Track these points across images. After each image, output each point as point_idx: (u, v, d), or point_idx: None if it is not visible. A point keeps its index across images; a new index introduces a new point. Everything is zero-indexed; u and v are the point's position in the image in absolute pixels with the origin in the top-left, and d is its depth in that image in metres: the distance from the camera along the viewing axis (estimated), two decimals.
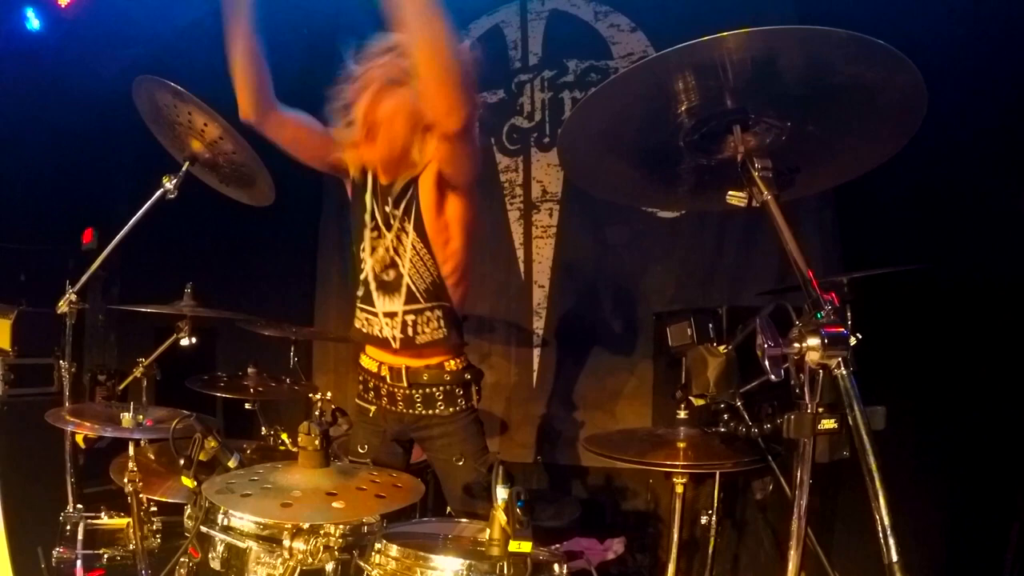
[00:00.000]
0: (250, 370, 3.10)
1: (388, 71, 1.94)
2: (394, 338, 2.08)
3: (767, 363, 1.17)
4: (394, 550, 1.54)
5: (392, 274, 2.06)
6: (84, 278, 2.54)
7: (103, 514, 2.38)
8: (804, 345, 1.12)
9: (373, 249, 2.09)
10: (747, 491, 2.71)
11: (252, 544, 1.58)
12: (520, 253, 3.87)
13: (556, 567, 1.59)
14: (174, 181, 2.40)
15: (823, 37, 1.19)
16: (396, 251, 2.05)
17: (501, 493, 1.42)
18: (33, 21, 4.01)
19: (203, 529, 1.64)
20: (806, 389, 1.17)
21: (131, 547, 2.23)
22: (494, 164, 3.89)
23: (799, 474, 1.20)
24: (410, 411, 2.12)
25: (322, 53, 4.00)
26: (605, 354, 3.64)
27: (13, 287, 3.85)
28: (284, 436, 2.85)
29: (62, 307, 2.51)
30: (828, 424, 1.16)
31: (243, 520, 1.61)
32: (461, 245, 2.08)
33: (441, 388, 2.11)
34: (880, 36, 1.16)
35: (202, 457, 1.71)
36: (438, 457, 2.18)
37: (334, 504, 1.49)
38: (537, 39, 3.88)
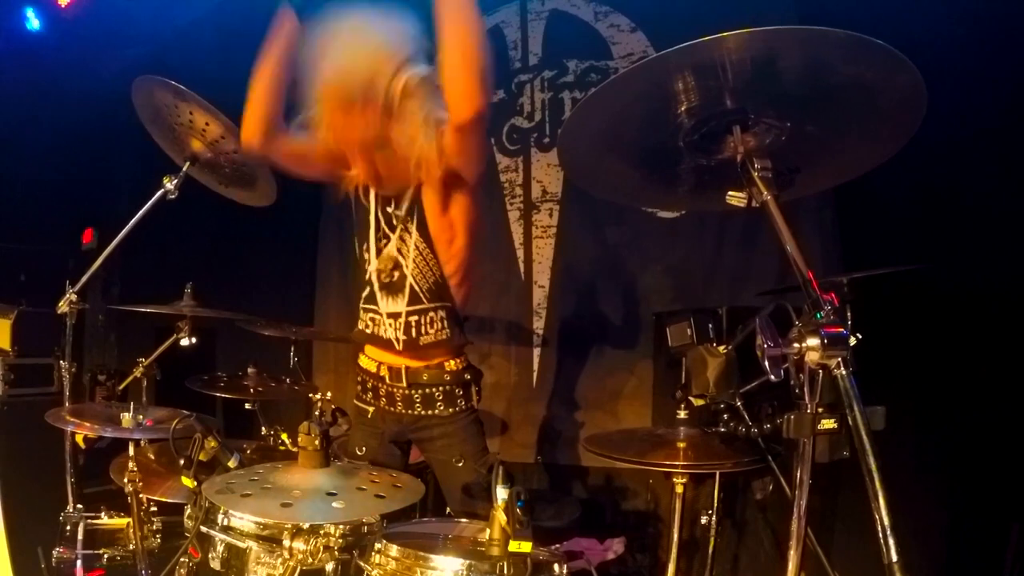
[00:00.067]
0: (250, 370, 3.10)
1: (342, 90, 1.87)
2: (397, 339, 2.07)
3: (767, 363, 1.17)
4: (394, 550, 1.53)
5: (396, 275, 2.06)
6: (84, 278, 2.54)
7: (103, 514, 2.38)
8: (804, 345, 1.12)
9: (378, 251, 2.08)
10: (747, 491, 2.71)
11: (252, 544, 1.58)
12: (520, 253, 3.87)
13: (556, 567, 1.59)
14: (175, 181, 2.40)
15: (823, 37, 1.19)
16: (400, 251, 2.05)
17: (501, 493, 1.42)
18: (33, 21, 4.01)
19: (203, 529, 1.64)
20: (806, 389, 1.17)
21: (131, 547, 2.24)
22: (494, 164, 3.89)
23: (799, 474, 1.20)
24: (409, 412, 2.12)
25: None
26: (605, 354, 3.64)
27: (13, 287, 3.85)
28: (284, 436, 2.85)
29: (62, 307, 2.51)
30: (828, 424, 1.16)
31: (243, 520, 1.61)
32: (465, 244, 2.08)
33: (441, 388, 2.10)
34: (880, 36, 1.16)
35: (202, 457, 1.72)
36: (438, 458, 2.17)
37: (334, 504, 1.49)
38: (537, 39, 3.88)
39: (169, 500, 2.30)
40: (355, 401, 2.25)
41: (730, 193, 1.38)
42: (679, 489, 2.14)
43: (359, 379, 2.22)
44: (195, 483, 1.68)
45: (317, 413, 2.08)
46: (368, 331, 2.13)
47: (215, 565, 1.64)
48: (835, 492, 2.63)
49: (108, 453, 2.59)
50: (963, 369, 2.58)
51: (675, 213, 3.47)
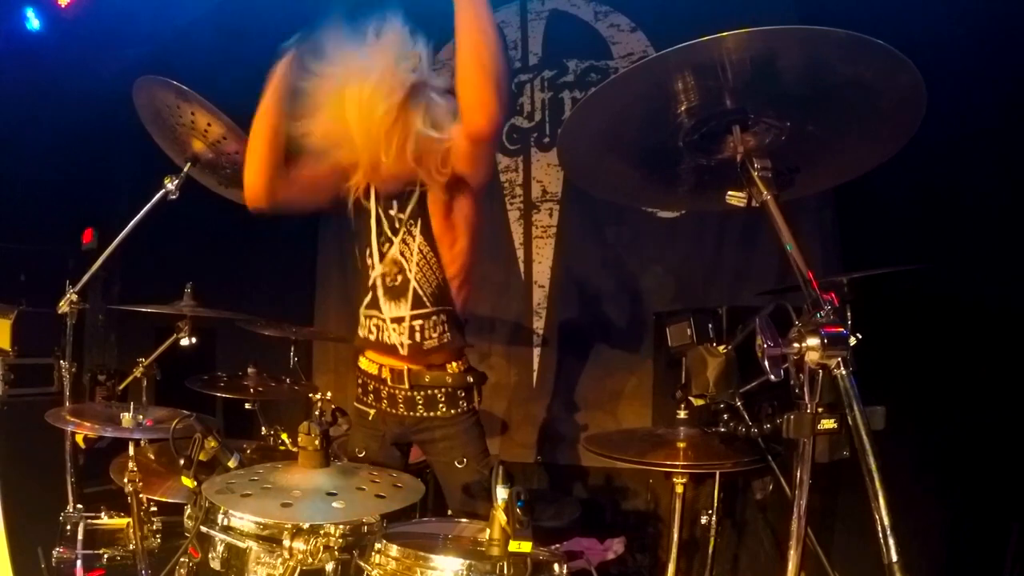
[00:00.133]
0: (250, 370, 3.10)
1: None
2: (402, 344, 2.06)
3: (767, 363, 1.17)
4: (394, 550, 1.53)
5: (399, 279, 2.06)
6: (84, 278, 2.55)
7: (103, 514, 2.38)
8: (804, 345, 1.12)
9: (381, 255, 2.08)
10: (747, 491, 2.71)
11: (252, 544, 1.58)
12: (520, 253, 3.87)
13: (556, 567, 1.59)
14: (175, 182, 2.40)
15: (823, 37, 1.19)
16: (403, 255, 2.05)
17: (501, 493, 1.42)
18: (33, 21, 4.01)
19: (203, 529, 1.64)
20: (806, 389, 1.17)
21: (131, 547, 2.24)
22: (494, 164, 3.89)
23: (799, 474, 1.20)
24: (411, 413, 2.11)
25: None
26: (605, 354, 3.64)
27: (13, 287, 3.85)
28: (284, 436, 2.85)
29: (62, 307, 2.51)
30: (828, 424, 1.16)
31: (243, 520, 1.61)
32: (467, 245, 2.08)
33: (443, 390, 2.10)
34: (880, 36, 1.16)
35: (202, 457, 1.71)
36: (439, 460, 2.17)
37: (334, 504, 1.49)
38: (537, 39, 3.88)
39: (169, 500, 2.30)
40: (355, 403, 2.24)
41: (730, 193, 1.38)
42: (679, 489, 2.14)
43: (360, 381, 2.22)
44: (195, 483, 1.68)
45: (317, 413, 2.08)
46: (372, 337, 2.12)
47: (215, 565, 1.64)
48: (835, 492, 2.63)
49: (108, 453, 2.59)
50: (963, 369, 2.58)
51: (675, 213, 3.47)
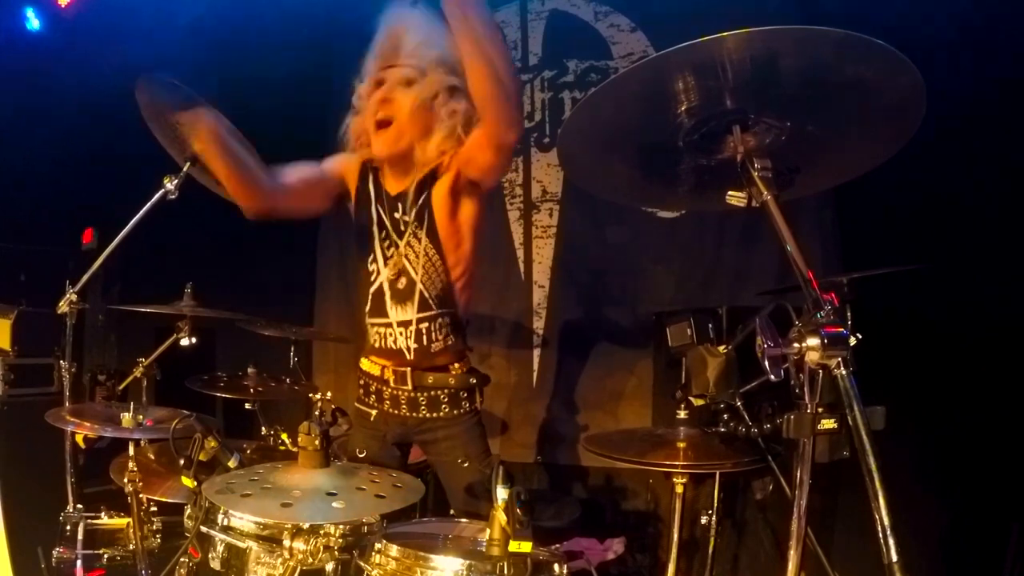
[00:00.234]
0: (250, 370, 3.10)
1: (403, 72, 2.02)
2: (408, 348, 2.06)
3: (767, 363, 1.17)
4: (394, 550, 1.53)
5: (404, 282, 2.06)
6: (84, 278, 2.54)
7: (103, 514, 2.38)
8: (804, 345, 1.12)
9: (386, 258, 2.08)
10: (747, 491, 2.71)
11: (252, 544, 1.58)
12: (520, 253, 3.87)
13: (556, 567, 1.59)
14: (175, 182, 2.40)
15: (823, 37, 1.19)
16: (407, 258, 2.05)
17: (501, 493, 1.42)
18: (33, 21, 4.01)
19: (203, 529, 1.64)
20: (806, 389, 1.16)
21: (131, 547, 2.24)
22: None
23: (799, 474, 1.20)
24: (414, 414, 2.11)
25: (319, 53, 4.04)
26: (605, 354, 3.64)
27: (13, 287, 3.85)
28: (284, 436, 2.85)
29: (62, 307, 2.51)
30: (828, 424, 1.16)
31: (243, 520, 1.61)
32: (471, 247, 2.10)
33: (446, 391, 2.10)
34: (880, 36, 1.16)
35: (202, 457, 1.71)
36: (442, 460, 2.17)
37: (334, 504, 1.49)
38: (537, 39, 3.88)
39: (169, 500, 2.30)
40: (356, 404, 2.24)
41: (730, 193, 1.38)
42: (679, 489, 2.14)
43: (361, 382, 2.22)
44: (195, 483, 1.68)
45: (317, 413, 2.08)
46: (377, 344, 2.13)
47: (215, 565, 1.64)
48: (835, 492, 2.63)
49: (108, 453, 2.59)
50: (963, 369, 2.58)
51: (675, 213, 3.47)
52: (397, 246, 2.06)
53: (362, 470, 1.75)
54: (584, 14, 3.76)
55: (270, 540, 1.57)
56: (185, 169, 2.42)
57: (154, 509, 2.28)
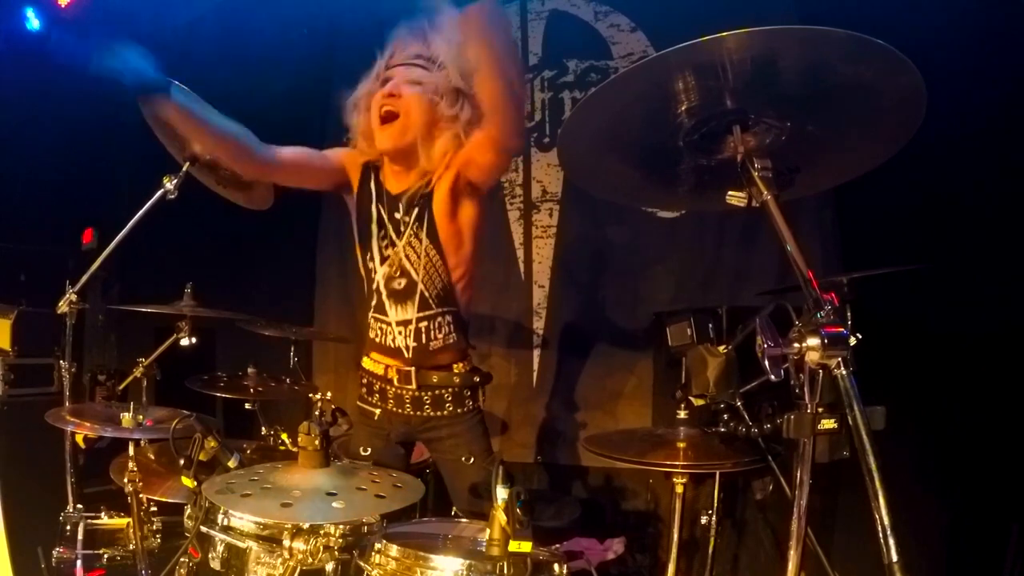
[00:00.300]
0: (250, 370, 3.10)
1: (411, 70, 2.04)
2: (407, 347, 2.07)
3: (767, 363, 1.17)
4: (394, 550, 1.53)
5: (404, 282, 2.07)
6: (84, 278, 2.54)
7: (103, 514, 2.38)
8: (804, 345, 1.12)
9: (384, 258, 2.09)
10: (747, 491, 2.71)
11: (252, 544, 1.58)
12: (520, 253, 3.87)
13: (556, 567, 1.59)
14: (174, 181, 2.40)
15: (823, 37, 1.19)
16: (408, 258, 2.06)
17: (501, 493, 1.42)
18: (33, 21, 4.01)
19: (203, 529, 1.64)
20: (806, 389, 1.17)
21: (131, 547, 2.24)
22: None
23: (799, 474, 1.20)
24: (418, 413, 2.12)
25: (319, 53, 4.04)
26: (605, 354, 3.64)
27: (13, 287, 3.85)
28: (284, 436, 2.85)
29: (62, 307, 2.51)
30: (828, 424, 1.16)
31: (243, 520, 1.61)
32: (471, 248, 2.11)
33: (450, 390, 2.11)
34: (880, 36, 1.16)
35: (202, 457, 1.72)
36: (446, 458, 2.18)
37: (334, 504, 1.49)
38: (537, 39, 3.88)
39: (169, 500, 2.30)
40: (359, 403, 2.24)
41: (730, 193, 1.38)
42: (679, 489, 2.14)
43: (364, 381, 2.22)
44: (195, 483, 1.68)
45: (317, 413, 2.08)
46: (377, 340, 2.14)
47: (215, 565, 1.64)
48: (835, 492, 2.63)
49: (108, 453, 2.59)
50: (963, 369, 2.58)
51: (675, 213, 3.47)
52: (395, 245, 2.07)
53: (362, 470, 1.75)
54: (584, 14, 3.76)
55: (270, 540, 1.57)
56: (185, 169, 2.42)
57: (154, 509, 2.28)
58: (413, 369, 2.09)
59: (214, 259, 4.18)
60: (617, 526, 3.26)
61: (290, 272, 4.44)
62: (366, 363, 2.20)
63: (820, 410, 1.16)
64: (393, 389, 2.13)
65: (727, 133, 1.38)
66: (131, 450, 2.18)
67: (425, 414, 2.12)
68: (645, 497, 3.31)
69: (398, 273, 2.07)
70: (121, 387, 2.98)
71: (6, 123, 3.76)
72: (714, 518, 2.42)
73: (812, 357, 1.11)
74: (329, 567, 1.57)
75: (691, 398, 2.01)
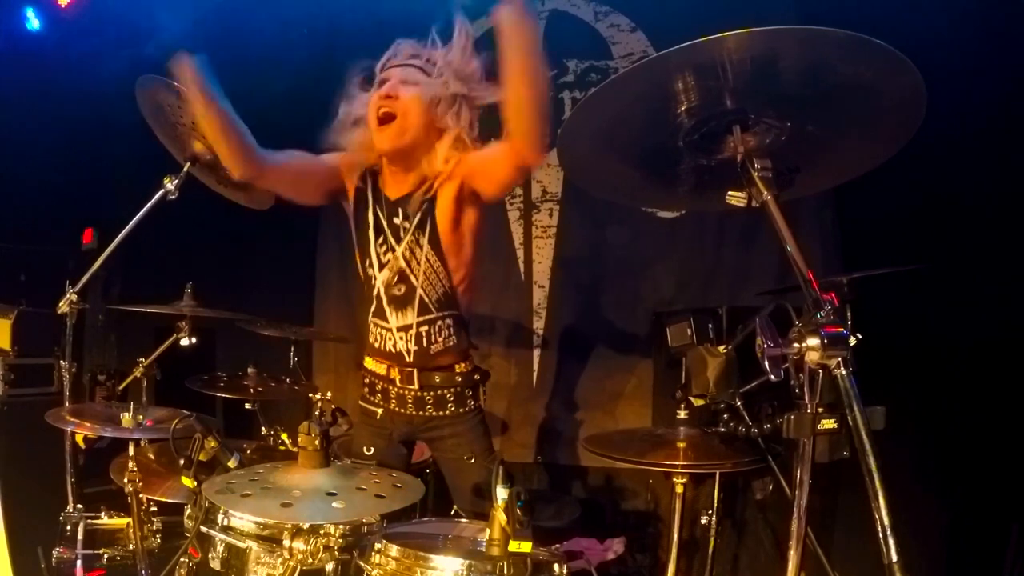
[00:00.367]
0: (250, 370, 3.10)
1: (406, 73, 2.03)
2: (408, 351, 2.07)
3: (767, 363, 1.17)
4: (394, 550, 1.53)
5: (403, 288, 2.06)
6: (84, 278, 2.54)
7: (103, 514, 2.38)
8: (804, 345, 1.12)
9: (383, 264, 2.08)
10: (747, 491, 2.71)
11: (252, 544, 1.58)
12: (520, 253, 3.87)
13: (556, 567, 1.59)
14: (175, 182, 2.40)
15: (823, 37, 1.19)
16: (408, 264, 2.05)
17: (501, 493, 1.42)
18: (33, 21, 4.00)
19: (203, 529, 1.64)
20: (806, 389, 1.17)
21: (131, 547, 2.24)
22: None
23: (799, 474, 1.20)
24: (420, 413, 2.12)
25: (320, 53, 4.04)
26: (605, 354, 3.64)
27: (13, 287, 3.84)
28: (284, 436, 2.85)
29: (62, 307, 2.51)
30: (828, 424, 1.16)
31: (243, 520, 1.61)
32: (471, 252, 2.11)
33: (452, 390, 2.11)
34: (880, 36, 1.16)
35: (202, 457, 1.71)
36: (448, 457, 2.18)
37: (334, 504, 1.49)
38: None
39: (169, 500, 2.30)
40: (361, 403, 2.24)
41: (730, 193, 1.38)
42: (679, 489, 2.14)
43: (366, 381, 2.22)
44: (195, 483, 1.68)
45: (317, 413, 2.08)
46: (377, 345, 2.13)
47: (215, 565, 1.64)
48: (835, 492, 2.63)
49: (108, 453, 2.59)
50: (963, 369, 2.58)
51: (675, 213, 3.47)
52: (394, 251, 2.06)
53: (362, 470, 1.76)
54: (584, 14, 3.76)
55: (270, 540, 1.57)
56: (185, 169, 2.42)
57: (154, 509, 2.28)
58: (415, 370, 2.09)
59: (214, 259, 4.18)
60: (617, 526, 3.26)
61: (290, 272, 4.44)
62: (368, 363, 2.20)
63: (820, 410, 1.16)
64: (395, 389, 2.13)
65: (727, 133, 1.38)
66: (131, 450, 2.18)
67: (427, 414, 2.12)
68: (645, 497, 3.31)
69: (396, 279, 2.06)
70: (121, 387, 2.98)
71: (6, 123, 3.76)
72: (714, 518, 2.42)
73: (812, 357, 1.12)
74: (329, 567, 1.57)
75: (691, 398, 2.02)
